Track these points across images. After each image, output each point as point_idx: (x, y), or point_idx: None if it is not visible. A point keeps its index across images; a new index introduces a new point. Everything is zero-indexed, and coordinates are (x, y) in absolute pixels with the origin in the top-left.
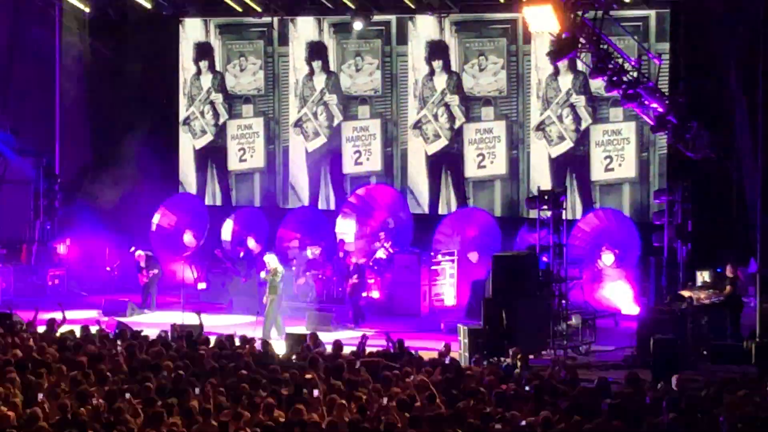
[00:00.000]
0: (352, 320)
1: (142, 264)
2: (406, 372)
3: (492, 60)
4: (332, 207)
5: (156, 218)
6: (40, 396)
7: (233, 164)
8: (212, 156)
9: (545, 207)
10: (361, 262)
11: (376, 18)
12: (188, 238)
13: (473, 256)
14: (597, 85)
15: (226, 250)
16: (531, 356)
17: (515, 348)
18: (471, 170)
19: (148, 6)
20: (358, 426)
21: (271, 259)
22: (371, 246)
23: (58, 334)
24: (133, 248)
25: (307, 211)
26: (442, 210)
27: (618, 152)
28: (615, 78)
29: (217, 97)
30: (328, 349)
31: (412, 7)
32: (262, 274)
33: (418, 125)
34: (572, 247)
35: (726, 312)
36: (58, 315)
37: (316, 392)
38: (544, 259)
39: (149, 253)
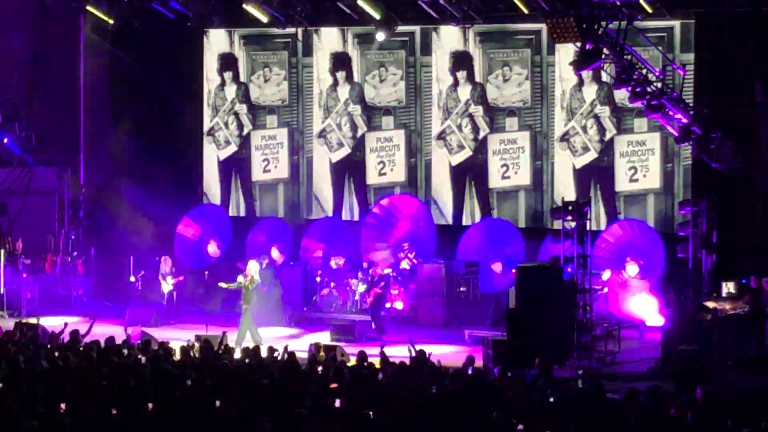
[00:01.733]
0: (375, 331)
1: (169, 270)
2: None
3: (516, 70)
4: (356, 218)
5: (180, 228)
6: (63, 406)
7: (257, 175)
8: (236, 167)
9: (569, 218)
10: (386, 272)
11: (400, 29)
12: (212, 248)
13: (497, 267)
14: (621, 95)
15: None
16: (555, 366)
17: (539, 359)
18: (495, 181)
19: (172, 17)
20: None
21: (252, 266)
22: (396, 256)
23: (82, 346)
24: (158, 258)
25: (330, 222)
26: (466, 221)
27: (642, 163)
28: (639, 89)
29: (241, 108)
30: (352, 360)
31: (436, 17)
32: (240, 278)
33: (442, 136)
34: (596, 258)
35: (751, 323)
36: (84, 326)
37: (338, 403)
38: (569, 270)
39: (171, 263)
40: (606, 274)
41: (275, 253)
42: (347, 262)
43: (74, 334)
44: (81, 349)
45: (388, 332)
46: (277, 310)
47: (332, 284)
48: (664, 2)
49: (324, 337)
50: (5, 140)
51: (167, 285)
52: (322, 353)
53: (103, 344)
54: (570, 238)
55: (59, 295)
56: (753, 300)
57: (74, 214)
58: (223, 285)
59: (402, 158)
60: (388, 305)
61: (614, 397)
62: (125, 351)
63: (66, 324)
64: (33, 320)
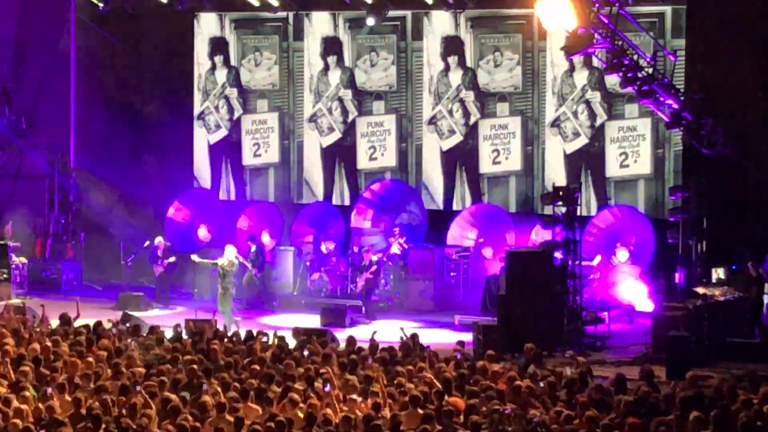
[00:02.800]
0: (366, 316)
1: (160, 253)
2: (420, 368)
3: (507, 56)
4: (347, 202)
5: (170, 213)
6: (49, 390)
7: (248, 159)
8: (227, 151)
9: (560, 203)
10: (376, 257)
11: (392, 13)
12: (203, 233)
13: (487, 252)
14: (612, 81)
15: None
16: (545, 353)
17: (530, 344)
18: (486, 166)
19: (163, 0)
20: (371, 421)
21: (230, 251)
22: (387, 241)
23: (71, 329)
24: (147, 243)
25: (321, 207)
26: (456, 206)
27: (633, 148)
28: (630, 74)
29: (232, 92)
30: (342, 344)
31: (428, 2)
32: (220, 260)
33: (432, 121)
34: (586, 244)
35: (745, 310)
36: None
37: (328, 387)
38: (558, 255)
39: (168, 243)
40: (596, 260)
41: (266, 237)
42: (337, 247)
43: (63, 317)
44: (71, 330)
45: (378, 318)
46: (267, 294)
47: (322, 269)
48: None
49: (314, 322)
50: None
51: (159, 267)
52: (302, 336)
53: (92, 328)
54: (560, 224)
55: (49, 278)
56: (756, 289)
57: (64, 197)
58: (195, 259)
59: (393, 143)
60: (378, 291)
61: (603, 383)
62: (114, 333)
63: (43, 306)
64: (19, 302)
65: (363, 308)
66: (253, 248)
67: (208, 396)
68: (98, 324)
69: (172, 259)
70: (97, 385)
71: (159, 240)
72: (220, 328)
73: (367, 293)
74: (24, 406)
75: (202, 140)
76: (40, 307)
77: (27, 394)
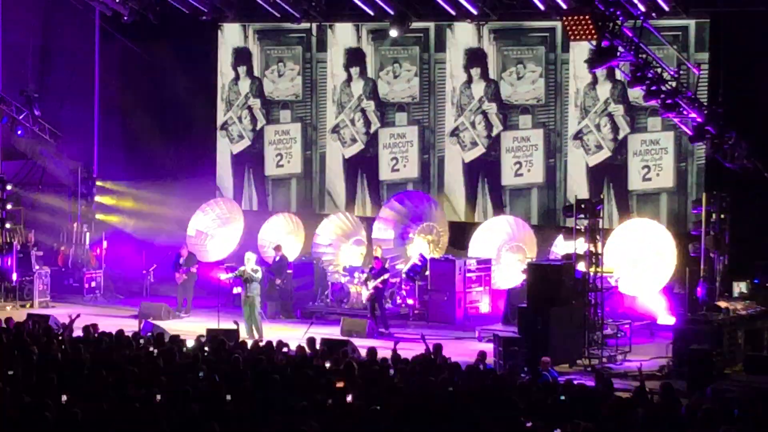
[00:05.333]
0: (375, 324)
1: (182, 261)
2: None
3: (530, 68)
4: (368, 213)
5: (193, 222)
6: (64, 397)
7: (270, 169)
8: (249, 161)
9: (582, 216)
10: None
11: (415, 25)
12: (224, 242)
13: (510, 264)
14: (635, 94)
15: (261, 255)
16: (566, 365)
17: (546, 357)
18: (508, 178)
19: (187, 11)
20: None
21: (250, 258)
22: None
23: (92, 336)
24: (170, 252)
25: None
26: (478, 218)
27: (656, 162)
28: (653, 87)
29: (255, 103)
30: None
31: (451, 14)
32: (241, 269)
33: (455, 133)
34: (608, 257)
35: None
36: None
37: (348, 398)
38: (580, 268)
39: (192, 252)
40: (618, 273)
41: (287, 247)
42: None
43: (86, 328)
44: (92, 339)
45: (392, 327)
46: (288, 304)
47: (344, 280)
48: (680, 1)
49: (335, 332)
50: (19, 132)
51: (181, 276)
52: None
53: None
54: (582, 236)
55: (71, 287)
56: None
57: (87, 206)
58: (222, 276)
59: (415, 154)
60: (388, 302)
61: (624, 396)
62: (140, 342)
63: (77, 315)
64: (45, 312)
65: (368, 317)
66: (277, 257)
67: (228, 406)
68: (119, 333)
69: (193, 269)
70: (119, 393)
71: (185, 251)
72: (243, 336)
73: (379, 303)
74: (47, 414)
75: (225, 150)
76: (65, 316)
77: (50, 401)
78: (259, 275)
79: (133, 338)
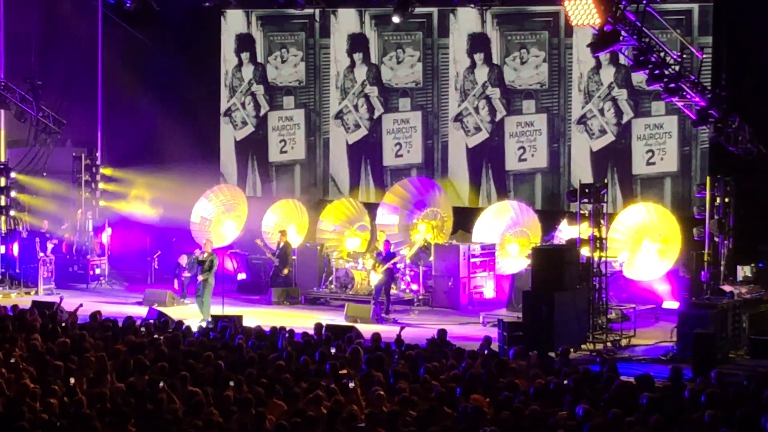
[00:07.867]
0: (378, 308)
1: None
2: (450, 364)
3: (533, 53)
4: (372, 199)
5: (197, 209)
6: (72, 380)
7: (274, 156)
8: (253, 147)
9: (586, 200)
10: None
11: (418, 10)
12: (229, 229)
13: (514, 249)
14: (639, 78)
15: (266, 240)
16: (571, 349)
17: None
18: (512, 163)
19: None
20: (396, 417)
21: (208, 244)
22: (410, 238)
23: (97, 323)
24: (174, 239)
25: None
26: (482, 203)
27: (660, 146)
28: (657, 71)
29: (258, 89)
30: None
31: None
32: (197, 252)
33: (458, 118)
34: (613, 241)
35: None
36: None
37: (351, 384)
38: (584, 252)
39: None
40: (622, 257)
41: (291, 233)
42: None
43: (93, 314)
44: (98, 325)
45: (396, 313)
46: (295, 291)
47: (348, 265)
48: None
49: (340, 318)
50: (23, 120)
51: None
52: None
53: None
54: (586, 221)
55: (76, 274)
56: None
57: (91, 193)
58: (182, 262)
59: (418, 140)
60: (394, 287)
61: (629, 380)
62: (143, 330)
63: (80, 305)
64: (49, 299)
65: (372, 301)
66: (281, 243)
67: (232, 392)
68: (127, 319)
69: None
70: (124, 380)
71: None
72: (209, 319)
73: (387, 286)
74: (52, 400)
75: (228, 137)
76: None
77: (55, 387)
78: (214, 259)
79: (138, 325)
